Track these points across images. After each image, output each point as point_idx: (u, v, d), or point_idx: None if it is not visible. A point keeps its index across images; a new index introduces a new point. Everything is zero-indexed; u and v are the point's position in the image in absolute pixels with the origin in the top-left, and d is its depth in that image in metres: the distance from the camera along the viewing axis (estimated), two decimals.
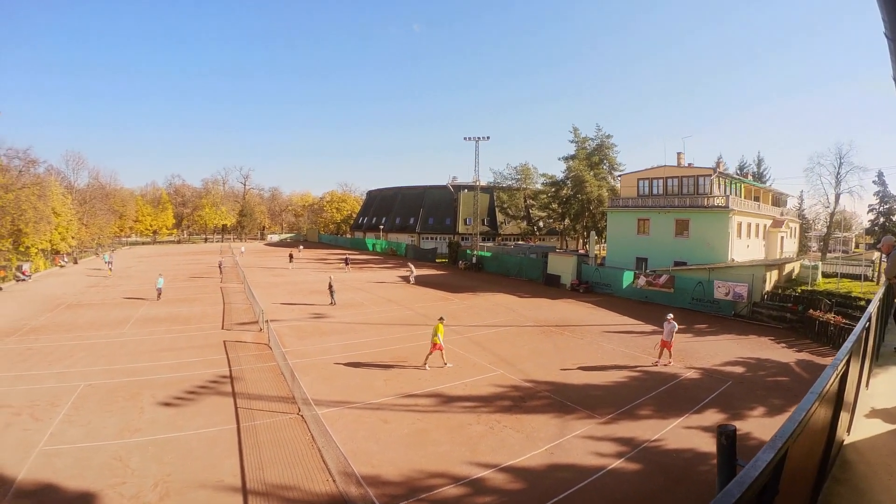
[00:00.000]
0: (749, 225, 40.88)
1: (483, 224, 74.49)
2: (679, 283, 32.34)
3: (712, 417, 13.79)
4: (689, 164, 44.47)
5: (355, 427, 12.84)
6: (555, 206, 64.82)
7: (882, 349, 7.35)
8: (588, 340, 22.72)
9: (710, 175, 40.31)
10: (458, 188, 78.83)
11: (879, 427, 4.75)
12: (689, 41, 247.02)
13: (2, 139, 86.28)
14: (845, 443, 4.36)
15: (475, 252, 54.91)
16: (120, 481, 10.16)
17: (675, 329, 18.59)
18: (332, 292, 30.57)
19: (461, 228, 75.69)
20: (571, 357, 19.77)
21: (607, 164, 61.53)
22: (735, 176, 49.50)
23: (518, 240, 72.73)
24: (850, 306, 25.74)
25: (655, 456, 11.56)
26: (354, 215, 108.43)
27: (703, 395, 15.69)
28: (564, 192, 61.97)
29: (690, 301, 31.29)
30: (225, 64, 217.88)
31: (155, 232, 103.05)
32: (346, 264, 50.97)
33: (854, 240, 59.10)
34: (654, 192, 43.88)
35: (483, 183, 68.35)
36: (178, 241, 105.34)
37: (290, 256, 56.43)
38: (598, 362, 19.11)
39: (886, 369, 6.60)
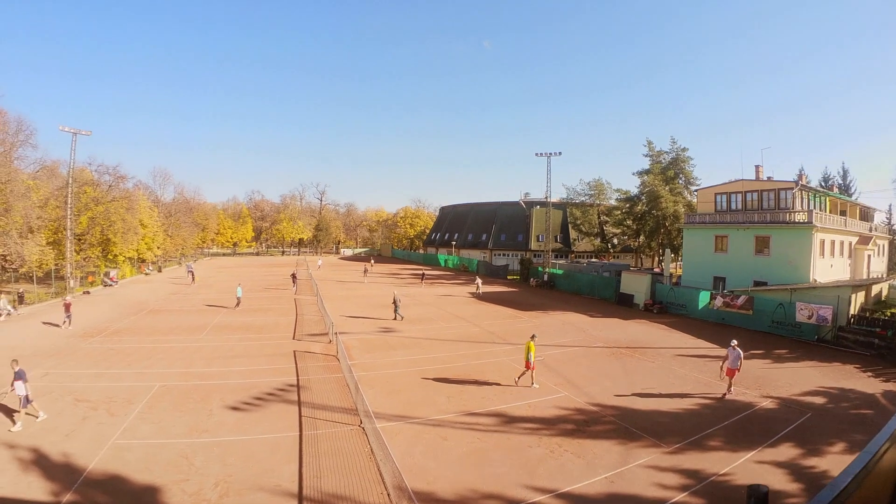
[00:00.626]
0: (833, 242, 37.85)
1: (556, 241, 73.29)
2: (758, 304, 30.04)
3: (787, 452, 12.46)
4: (769, 178, 41.84)
5: (414, 442, 12.70)
6: (629, 222, 62.82)
7: None
8: (659, 364, 21.46)
9: (792, 188, 37.65)
10: (531, 204, 78.05)
11: None
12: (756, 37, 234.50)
13: (93, 156, 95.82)
14: None
15: (546, 269, 54.04)
16: (184, 478, 10.54)
17: (741, 356, 17.18)
18: (396, 307, 30.49)
19: (534, 245, 74.78)
20: (640, 381, 18.70)
21: (683, 179, 59.10)
22: (819, 189, 45.89)
23: (592, 257, 71.02)
24: None
25: (723, 491, 10.56)
26: (427, 231, 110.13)
27: (778, 427, 14.28)
28: (639, 207, 59.76)
29: (770, 324, 28.94)
30: (304, 90, 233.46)
31: (235, 244, 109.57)
32: (422, 279, 51.94)
33: None
34: (733, 207, 41.65)
35: (556, 199, 67.33)
36: (257, 254, 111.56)
37: (365, 271, 58.15)
38: (669, 387, 17.93)
39: None
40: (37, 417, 13.30)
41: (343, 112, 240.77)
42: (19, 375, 13.04)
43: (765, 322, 29.22)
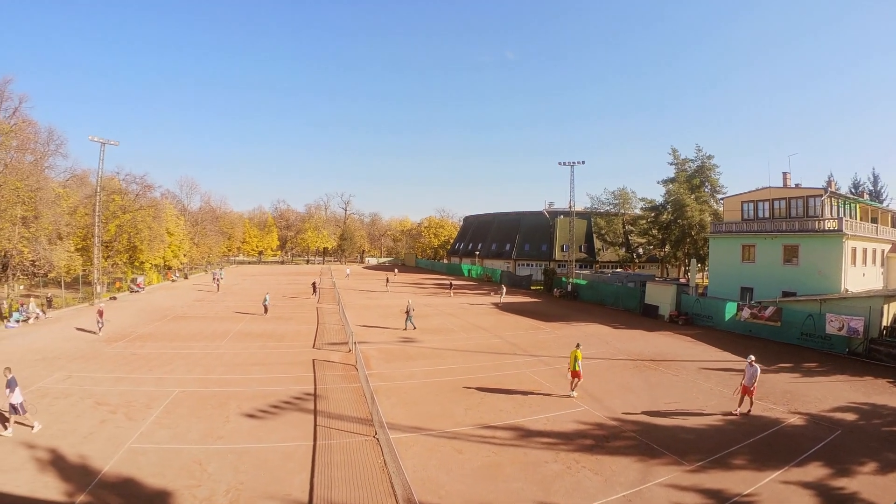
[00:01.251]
0: (865, 250, 36.59)
1: (580, 251, 72.40)
2: (787, 315, 29.04)
3: (815, 472, 11.86)
4: (797, 185, 40.70)
5: (428, 455, 12.50)
6: (654, 231, 61.53)
7: None
8: (683, 377, 20.85)
9: (821, 196, 36.52)
10: (555, 214, 77.41)
11: None
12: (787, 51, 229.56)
13: (121, 165, 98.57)
14: None
15: (570, 280, 53.41)
16: (196, 484, 10.59)
17: (758, 373, 16.41)
18: (409, 316, 30.34)
19: (558, 255, 74.07)
20: (663, 395, 18.16)
21: (709, 187, 57.78)
22: (849, 195, 44.36)
23: (617, 267, 69.98)
24: None
25: None
26: (451, 241, 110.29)
27: (807, 444, 13.64)
28: (664, 216, 58.60)
29: (799, 336, 27.92)
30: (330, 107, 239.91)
31: (260, 252, 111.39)
32: (451, 289, 52.38)
33: None
34: (760, 215, 40.57)
35: (580, 208, 66.56)
36: (282, 262, 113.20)
37: (387, 280, 58.45)
38: (692, 402, 17.36)
39: None
40: (32, 427, 13.01)
41: (370, 132, 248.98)
42: (11, 384, 12.80)
43: (793, 334, 28.24)
